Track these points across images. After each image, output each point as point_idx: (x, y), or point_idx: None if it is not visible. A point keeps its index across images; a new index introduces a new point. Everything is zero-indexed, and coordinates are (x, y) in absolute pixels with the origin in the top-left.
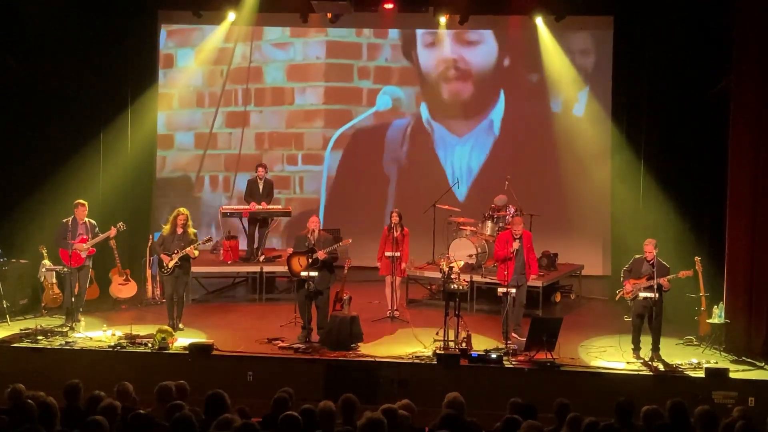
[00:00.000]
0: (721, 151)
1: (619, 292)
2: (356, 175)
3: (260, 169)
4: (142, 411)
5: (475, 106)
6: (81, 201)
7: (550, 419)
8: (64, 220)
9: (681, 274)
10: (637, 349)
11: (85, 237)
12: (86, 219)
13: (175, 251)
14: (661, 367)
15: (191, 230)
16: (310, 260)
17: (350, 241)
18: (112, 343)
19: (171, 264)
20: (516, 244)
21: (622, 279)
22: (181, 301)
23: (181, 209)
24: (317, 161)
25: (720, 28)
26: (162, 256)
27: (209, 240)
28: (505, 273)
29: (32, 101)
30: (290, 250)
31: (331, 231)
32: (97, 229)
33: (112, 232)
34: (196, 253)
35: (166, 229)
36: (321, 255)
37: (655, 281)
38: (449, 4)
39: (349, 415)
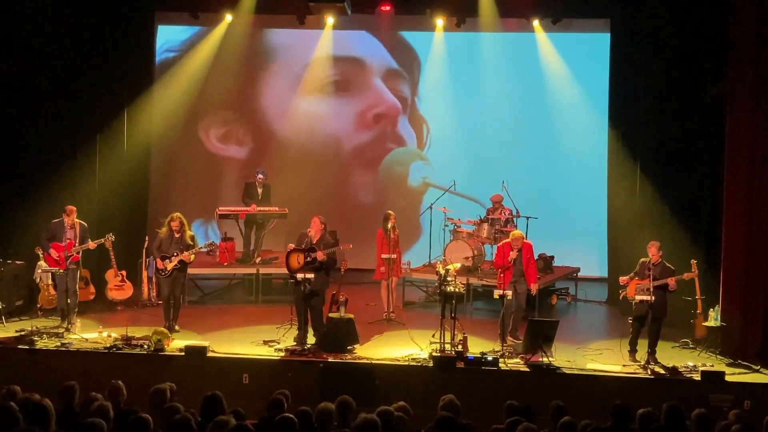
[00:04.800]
0: (717, 154)
1: (621, 291)
2: None
3: (260, 177)
4: (142, 415)
5: None
6: (70, 207)
7: (546, 422)
8: (54, 221)
9: (685, 275)
10: (633, 351)
11: (72, 241)
12: (77, 221)
13: (175, 254)
14: (657, 370)
15: (189, 233)
16: (309, 259)
17: (350, 246)
18: (108, 345)
19: (170, 267)
20: (513, 254)
21: (627, 278)
22: (178, 302)
23: (175, 214)
24: None
25: (716, 32)
26: (158, 261)
27: (212, 244)
28: (502, 277)
29: (28, 103)
30: (291, 246)
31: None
32: (87, 232)
33: (92, 245)
34: (192, 257)
35: (163, 231)
36: (320, 255)
37: (651, 283)
38: (446, 6)
39: (344, 417)
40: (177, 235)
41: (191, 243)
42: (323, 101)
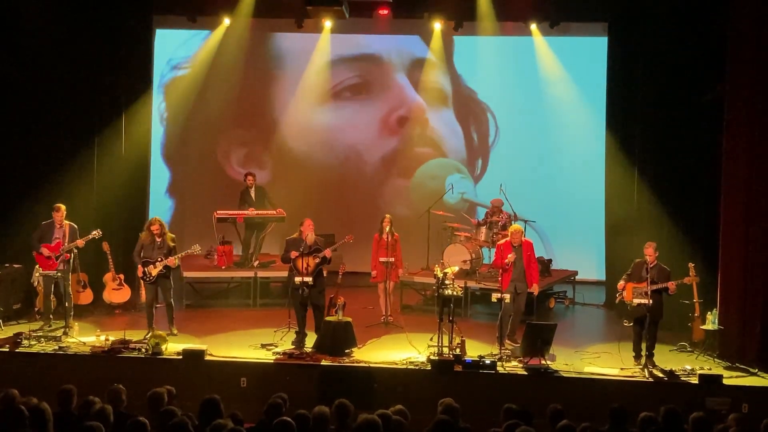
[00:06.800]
0: (714, 158)
1: (618, 295)
2: None
3: (249, 177)
4: (140, 418)
5: None
6: (58, 204)
7: (544, 425)
8: (43, 223)
9: (686, 279)
10: (638, 356)
11: (60, 241)
12: (66, 222)
13: (159, 259)
14: (655, 373)
15: (170, 236)
16: (318, 259)
17: (352, 238)
18: (106, 348)
19: (155, 272)
20: (512, 257)
21: (622, 282)
22: (171, 307)
23: (155, 218)
24: None
25: (714, 35)
26: (139, 267)
27: (197, 249)
28: (500, 280)
29: (27, 106)
30: (295, 254)
31: (325, 235)
32: (77, 233)
33: (81, 242)
34: (177, 262)
35: (144, 236)
36: (328, 253)
37: (648, 287)
38: (444, 10)
39: (342, 421)
40: (159, 240)
41: (173, 245)
42: (340, 109)
